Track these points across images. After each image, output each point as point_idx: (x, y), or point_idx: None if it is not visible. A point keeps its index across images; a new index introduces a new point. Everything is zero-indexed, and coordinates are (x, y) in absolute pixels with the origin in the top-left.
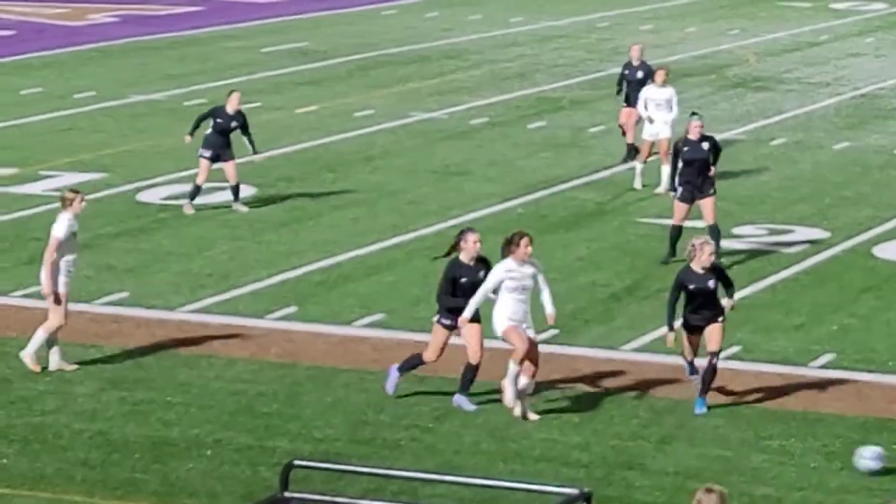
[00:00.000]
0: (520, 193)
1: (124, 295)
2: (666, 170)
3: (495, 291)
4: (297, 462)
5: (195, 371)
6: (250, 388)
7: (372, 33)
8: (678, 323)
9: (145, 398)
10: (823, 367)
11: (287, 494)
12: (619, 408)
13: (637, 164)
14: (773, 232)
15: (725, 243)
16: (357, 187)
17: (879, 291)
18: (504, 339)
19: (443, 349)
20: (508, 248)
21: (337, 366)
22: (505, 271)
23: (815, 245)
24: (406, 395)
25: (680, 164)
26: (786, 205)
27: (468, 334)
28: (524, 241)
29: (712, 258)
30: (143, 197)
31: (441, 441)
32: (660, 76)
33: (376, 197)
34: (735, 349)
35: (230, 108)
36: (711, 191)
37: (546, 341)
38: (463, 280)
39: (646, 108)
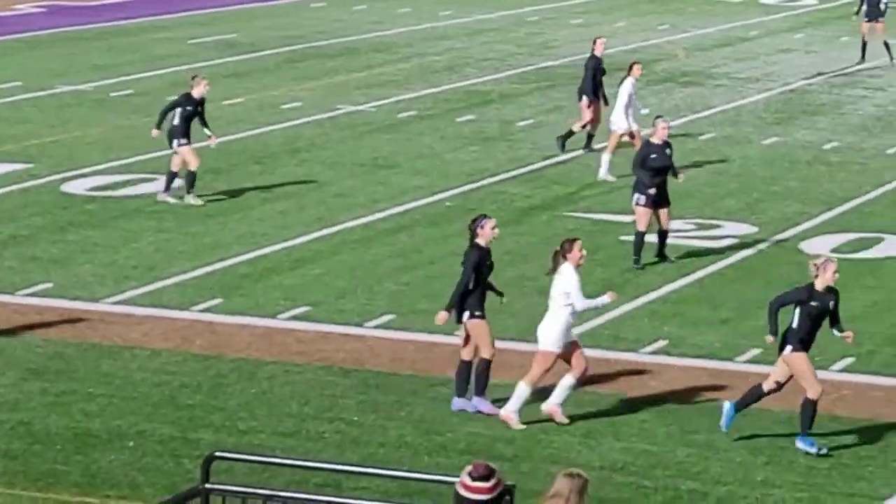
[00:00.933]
0: (448, 187)
1: (48, 286)
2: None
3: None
4: (218, 454)
5: (118, 362)
6: (174, 380)
7: (300, 25)
8: (793, 350)
9: (67, 389)
10: (750, 361)
11: (208, 486)
12: (544, 401)
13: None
14: (701, 227)
15: (651, 237)
16: (284, 180)
17: None
18: (562, 357)
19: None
20: (563, 254)
21: (261, 358)
22: (577, 278)
23: (743, 240)
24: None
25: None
26: (714, 199)
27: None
28: (577, 244)
29: (837, 276)
30: (68, 188)
31: (366, 434)
32: (638, 70)
33: (303, 189)
34: (662, 343)
35: (197, 94)
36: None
37: None
38: (487, 264)
39: (629, 101)
